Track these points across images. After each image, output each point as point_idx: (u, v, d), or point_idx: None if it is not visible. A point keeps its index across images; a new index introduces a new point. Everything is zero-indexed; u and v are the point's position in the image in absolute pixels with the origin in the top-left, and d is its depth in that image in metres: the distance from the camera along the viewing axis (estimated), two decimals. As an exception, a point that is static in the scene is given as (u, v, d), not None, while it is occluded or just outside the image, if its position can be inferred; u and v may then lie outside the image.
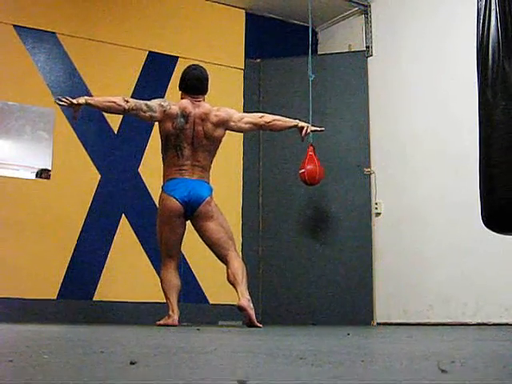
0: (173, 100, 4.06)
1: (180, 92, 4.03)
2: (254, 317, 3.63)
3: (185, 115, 3.86)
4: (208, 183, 3.94)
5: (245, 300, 3.65)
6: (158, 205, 3.97)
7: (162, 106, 3.86)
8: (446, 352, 1.58)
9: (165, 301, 3.93)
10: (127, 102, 3.78)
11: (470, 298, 4.44)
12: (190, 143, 3.88)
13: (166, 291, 3.87)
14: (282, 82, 5.63)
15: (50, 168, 4.82)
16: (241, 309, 3.64)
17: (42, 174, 4.85)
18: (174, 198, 3.82)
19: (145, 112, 3.82)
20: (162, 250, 3.94)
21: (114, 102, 3.76)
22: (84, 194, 4.86)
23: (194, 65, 4.14)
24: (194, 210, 3.85)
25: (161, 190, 3.93)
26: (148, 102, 3.85)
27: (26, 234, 4.63)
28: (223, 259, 3.89)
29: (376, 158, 5.30)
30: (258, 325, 3.66)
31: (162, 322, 3.85)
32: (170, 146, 3.88)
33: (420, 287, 4.80)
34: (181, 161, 3.86)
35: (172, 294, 3.86)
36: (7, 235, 4.57)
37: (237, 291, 3.72)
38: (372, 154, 5.33)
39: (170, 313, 3.83)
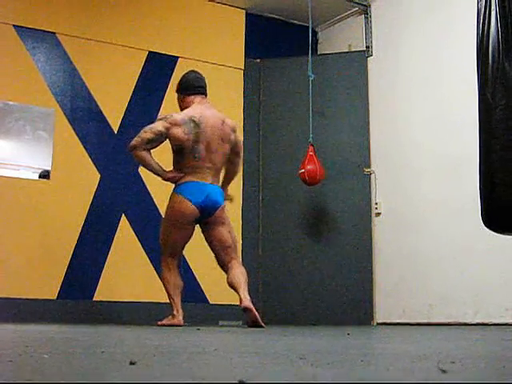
0: (172, 102, 4.08)
1: (181, 97, 3.98)
2: (258, 316, 3.64)
3: (195, 120, 3.82)
4: (220, 188, 3.94)
5: (248, 301, 3.64)
6: (168, 206, 3.88)
7: (162, 118, 3.86)
8: (446, 352, 1.58)
9: (165, 301, 3.92)
10: (135, 142, 3.80)
11: (470, 298, 4.44)
12: (206, 145, 3.84)
13: (170, 291, 3.82)
14: (282, 81, 5.63)
15: (42, 167, 4.82)
16: (246, 310, 3.62)
17: (45, 176, 4.84)
18: (191, 202, 3.76)
19: (151, 131, 3.79)
20: (164, 250, 3.89)
21: (142, 154, 3.83)
22: (84, 194, 4.86)
23: (190, 70, 4.16)
24: (209, 215, 3.82)
25: (173, 191, 3.87)
26: (150, 125, 3.86)
27: (26, 234, 4.63)
28: (225, 265, 3.86)
29: (376, 158, 5.31)
30: (263, 324, 3.67)
31: (165, 322, 3.80)
32: (187, 151, 3.82)
33: (420, 287, 4.80)
34: (197, 163, 3.82)
35: (176, 294, 3.81)
36: (7, 235, 4.57)
37: (239, 293, 3.70)
38: (372, 154, 5.33)
39: (175, 313, 3.78)
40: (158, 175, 3.88)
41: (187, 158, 3.83)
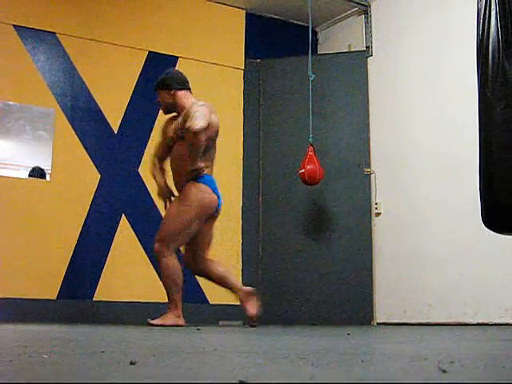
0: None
1: (172, 92, 3.88)
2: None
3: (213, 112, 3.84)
4: None
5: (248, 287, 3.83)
6: (196, 195, 3.72)
7: (200, 104, 3.69)
8: (446, 352, 1.58)
9: (165, 301, 3.85)
10: (204, 123, 3.56)
11: (470, 298, 4.44)
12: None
13: (175, 286, 3.68)
14: (282, 82, 5.63)
15: (42, 166, 4.82)
16: (251, 294, 3.81)
17: (34, 172, 4.82)
18: (217, 196, 3.80)
19: (207, 117, 3.62)
20: (175, 239, 3.71)
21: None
22: (84, 194, 4.86)
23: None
24: (216, 212, 3.87)
25: (198, 182, 3.73)
26: (200, 111, 3.65)
27: (26, 234, 4.63)
28: (202, 260, 3.88)
29: (376, 158, 5.30)
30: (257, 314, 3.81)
31: (167, 321, 3.65)
32: (214, 142, 3.81)
33: (420, 287, 4.80)
34: (213, 155, 3.84)
35: (180, 291, 3.71)
36: (7, 235, 4.57)
37: (235, 283, 3.86)
38: (372, 154, 5.33)
39: (179, 312, 3.70)
40: (195, 161, 3.65)
41: (212, 149, 3.81)
